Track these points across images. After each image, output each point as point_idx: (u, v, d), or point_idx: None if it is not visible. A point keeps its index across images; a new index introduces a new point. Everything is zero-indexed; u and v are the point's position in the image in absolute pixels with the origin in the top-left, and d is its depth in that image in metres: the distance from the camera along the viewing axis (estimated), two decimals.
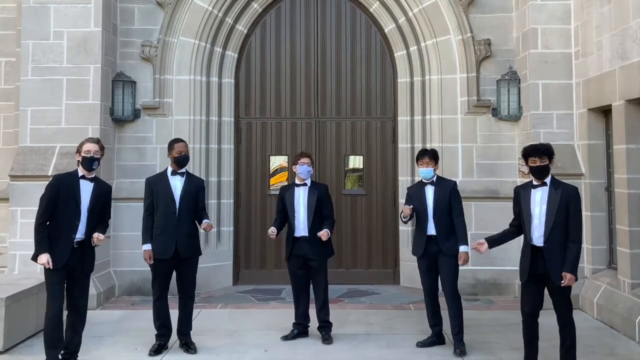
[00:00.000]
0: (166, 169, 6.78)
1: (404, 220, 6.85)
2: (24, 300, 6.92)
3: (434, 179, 6.76)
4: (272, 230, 7.02)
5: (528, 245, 5.65)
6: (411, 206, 6.71)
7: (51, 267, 5.72)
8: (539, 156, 5.66)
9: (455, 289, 6.61)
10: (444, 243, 6.59)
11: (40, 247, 5.78)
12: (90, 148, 5.93)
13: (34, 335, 7.01)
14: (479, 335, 7.07)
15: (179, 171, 6.67)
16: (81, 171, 5.95)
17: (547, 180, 5.68)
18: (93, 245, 5.99)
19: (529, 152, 5.74)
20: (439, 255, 6.62)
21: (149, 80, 9.53)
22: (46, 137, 8.71)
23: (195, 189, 6.70)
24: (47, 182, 6.00)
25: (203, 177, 9.46)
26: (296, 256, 7.01)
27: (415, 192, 6.82)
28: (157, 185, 6.63)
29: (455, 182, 6.91)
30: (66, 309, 5.99)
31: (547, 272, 5.54)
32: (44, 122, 8.72)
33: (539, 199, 5.65)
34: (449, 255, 6.60)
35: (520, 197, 5.76)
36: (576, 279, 5.55)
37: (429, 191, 6.72)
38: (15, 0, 9.64)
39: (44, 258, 5.73)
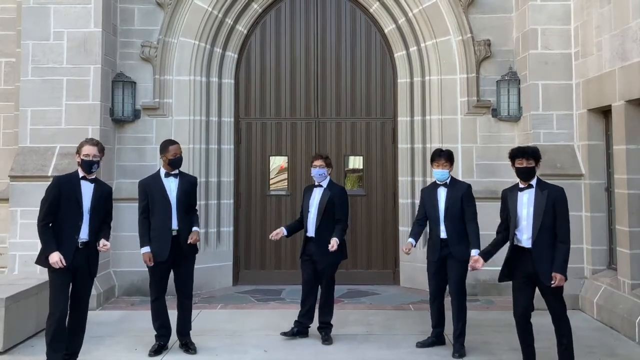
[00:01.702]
0: (158, 170, 6.77)
1: (406, 252, 6.83)
2: (23, 300, 6.92)
3: (448, 180, 6.72)
4: (279, 232, 7.12)
5: (515, 246, 5.70)
6: (412, 243, 6.76)
7: (64, 265, 5.65)
8: (525, 158, 5.71)
9: (462, 293, 6.57)
10: (454, 247, 6.54)
11: (48, 246, 5.71)
12: (90, 152, 5.88)
13: (34, 336, 7.01)
14: (479, 335, 7.07)
15: (172, 172, 6.65)
16: (81, 172, 5.93)
17: (533, 182, 5.73)
18: (99, 250, 5.99)
19: (515, 154, 5.80)
20: (449, 258, 6.59)
21: (149, 81, 9.53)
22: (46, 137, 8.71)
23: (190, 187, 6.71)
24: (48, 183, 5.97)
25: (203, 178, 9.53)
26: (306, 255, 7.05)
27: (428, 194, 6.79)
28: (151, 188, 6.61)
29: (469, 185, 6.81)
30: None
31: (537, 273, 5.56)
32: (43, 123, 8.72)
33: (525, 201, 5.69)
34: (459, 260, 6.53)
35: (508, 199, 5.80)
36: (566, 279, 5.57)
37: (442, 193, 6.68)
38: (15, 0, 9.65)
39: (56, 256, 5.65)
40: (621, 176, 7.48)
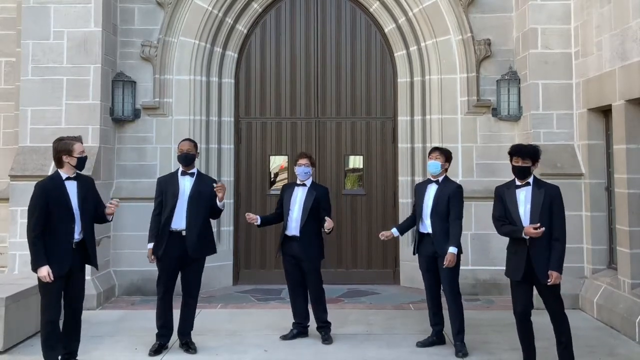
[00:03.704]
0: (178, 168, 6.78)
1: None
2: (23, 300, 6.92)
3: (440, 179, 6.72)
4: (254, 217, 7.01)
5: (519, 243, 5.67)
6: (393, 234, 6.94)
7: (52, 279, 5.56)
8: (521, 157, 5.76)
9: (455, 290, 6.58)
10: (441, 245, 6.52)
11: (38, 259, 5.58)
12: (83, 148, 5.84)
13: (34, 335, 7.00)
14: (479, 335, 7.07)
15: (189, 172, 6.65)
16: (67, 172, 5.78)
17: (530, 180, 5.76)
18: (110, 215, 5.97)
19: (513, 152, 5.85)
20: (438, 256, 6.61)
21: (149, 80, 9.53)
22: (46, 137, 8.68)
23: (208, 189, 6.61)
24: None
25: None
26: (288, 255, 7.02)
27: (420, 189, 6.85)
28: (166, 186, 6.62)
29: (459, 186, 6.80)
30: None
31: (534, 270, 5.58)
32: (44, 122, 8.73)
33: (523, 199, 5.74)
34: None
35: (505, 196, 5.82)
36: (561, 277, 5.59)
37: (432, 189, 6.71)
38: (15, 0, 9.65)
39: (44, 271, 5.54)
40: (621, 176, 7.48)
